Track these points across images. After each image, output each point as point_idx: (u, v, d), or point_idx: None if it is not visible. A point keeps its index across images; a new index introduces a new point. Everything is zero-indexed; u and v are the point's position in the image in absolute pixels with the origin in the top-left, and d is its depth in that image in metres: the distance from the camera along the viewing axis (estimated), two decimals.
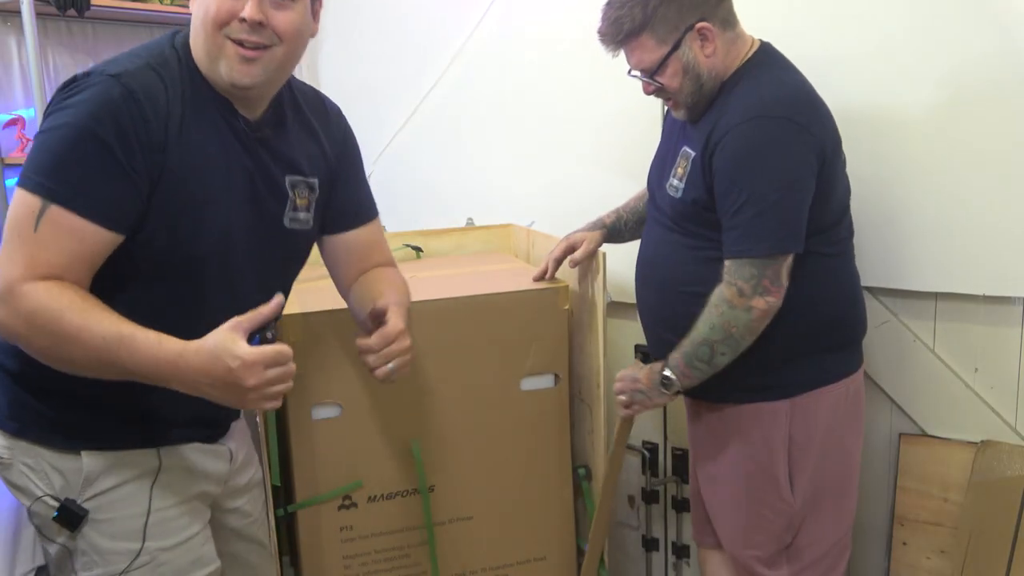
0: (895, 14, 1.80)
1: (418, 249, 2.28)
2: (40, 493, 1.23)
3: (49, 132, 1.11)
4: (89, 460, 1.22)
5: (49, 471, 1.22)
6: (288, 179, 1.31)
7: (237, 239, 1.24)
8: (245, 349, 1.05)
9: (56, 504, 1.21)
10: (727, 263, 1.50)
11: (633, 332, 2.29)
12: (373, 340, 1.28)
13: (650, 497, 2.33)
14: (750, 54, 1.58)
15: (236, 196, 1.23)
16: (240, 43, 1.16)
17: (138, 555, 1.23)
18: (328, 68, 2.98)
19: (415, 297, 1.74)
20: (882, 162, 1.85)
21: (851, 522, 1.74)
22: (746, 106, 1.50)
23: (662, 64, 1.54)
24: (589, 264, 1.82)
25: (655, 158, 1.79)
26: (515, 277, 1.96)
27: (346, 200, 1.45)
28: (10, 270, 1.08)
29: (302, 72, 3.07)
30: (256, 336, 1.10)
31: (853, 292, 1.67)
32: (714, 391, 1.63)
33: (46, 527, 1.25)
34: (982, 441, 1.84)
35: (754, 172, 1.47)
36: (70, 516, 1.21)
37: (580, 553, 1.97)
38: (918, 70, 1.79)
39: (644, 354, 2.25)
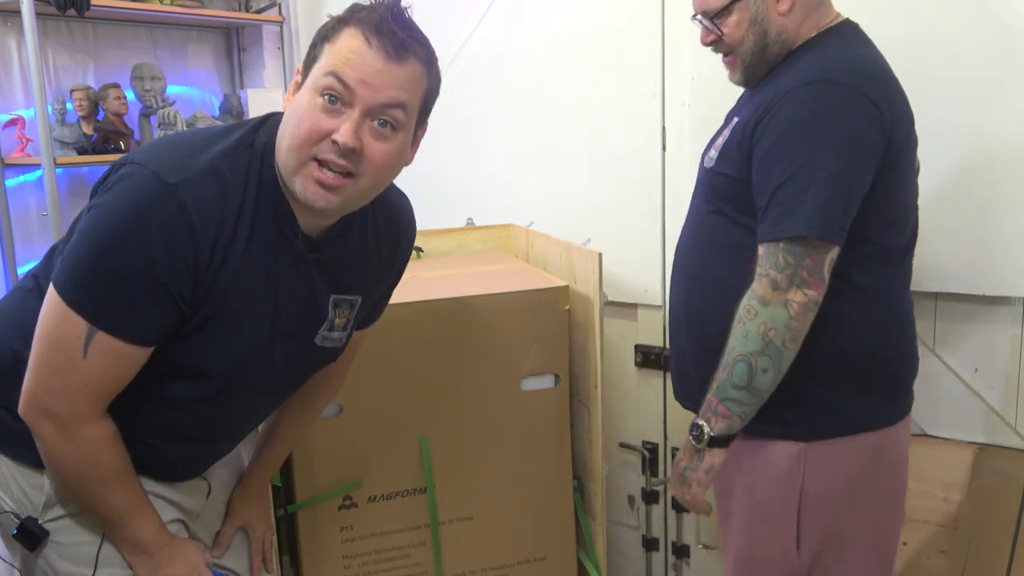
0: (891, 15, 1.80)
1: (418, 249, 2.28)
2: (4, 507, 1.18)
3: (94, 238, 1.00)
4: (52, 482, 1.16)
5: (12, 485, 1.18)
6: (333, 298, 1.19)
7: (262, 355, 1.16)
8: None
9: (17, 521, 1.17)
10: (760, 253, 1.28)
11: (632, 333, 2.29)
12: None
13: (650, 497, 2.33)
14: (829, 26, 1.39)
15: (272, 315, 1.13)
16: (324, 164, 1.02)
17: None
18: None
19: (415, 297, 1.75)
20: None
21: None
22: (808, 70, 1.30)
23: (727, 8, 1.36)
24: (586, 263, 1.82)
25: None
26: (515, 277, 1.96)
27: (369, 310, 1.32)
28: (70, 400, 1.05)
29: None
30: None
31: (899, 321, 1.41)
32: (685, 397, 1.48)
33: (5, 542, 1.21)
34: (982, 444, 1.84)
35: (806, 141, 1.24)
36: (30, 536, 1.16)
37: (579, 562, 1.97)
38: (918, 71, 1.79)
39: (643, 354, 2.26)
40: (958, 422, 1.87)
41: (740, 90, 1.53)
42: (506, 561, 1.89)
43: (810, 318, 1.26)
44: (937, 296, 1.86)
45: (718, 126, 1.52)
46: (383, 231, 1.25)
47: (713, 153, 1.42)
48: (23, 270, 2.42)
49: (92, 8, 2.44)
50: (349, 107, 1.01)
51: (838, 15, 1.42)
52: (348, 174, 1.03)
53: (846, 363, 1.35)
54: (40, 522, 1.17)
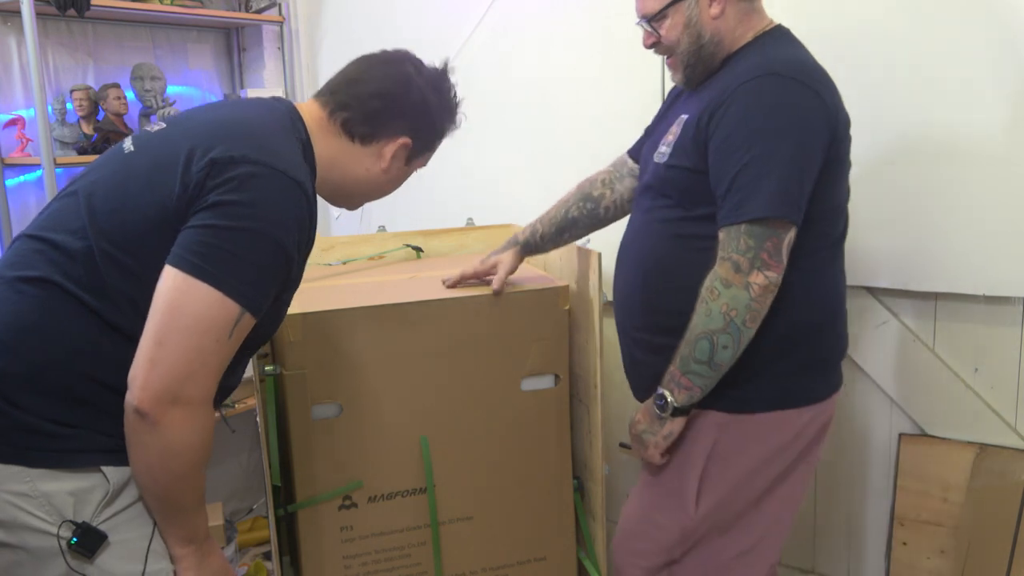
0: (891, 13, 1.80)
1: (418, 249, 2.28)
2: (44, 526, 1.10)
3: (253, 234, 1.10)
4: (113, 476, 1.13)
5: (53, 496, 1.11)
6: None
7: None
8: (233, 572, 1.30)
9: (72, 530, 1.11)
10: (721, 237, 1.36)
11: None
12: None
13: None
14: (764, 30, 1.48)
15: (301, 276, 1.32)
16: None
17: None
18: (328, 68, 2.98)
19: (415, 297, 1.75)
20: (882, 162, 1.86)
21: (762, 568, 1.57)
22: (755, 65, 1.39)
23: (663, 11, 1.47)
24: (586, 263, 1.82)
25: (648, 138, 1.69)
26: (515, 277, 1.96)
27: None
28: (209, 382, 1.11)
29: (302, 72, 3.08)
30: None
31: (833, 302, 1.51)
32: (640, 388, 1.57)
33: (32, 564, 1.12)
34: (982, 444, 1.84)
35: (760, 130, 1.34)
36: (91, 541, 1.11)
37: (579, 562, 1.98)
38: (915, 70, 1.79)
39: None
40: (958, 422, 1.87)
41: None
42: (506, 561, 1.89)
43: (770, 299, 1.35)
44: (937, 296, 1.86)
45: None
46: None
47: (664, 149, 1.50)
48: None
49: (92, 8, 2.44)
50: None
51: (771, 21, 1.50)
52: None
53: (784, 342, 1.43)
54: (95, 524, 1.13)
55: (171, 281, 1.08)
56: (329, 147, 1.30)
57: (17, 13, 2.36)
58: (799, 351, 1.45)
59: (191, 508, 1.17)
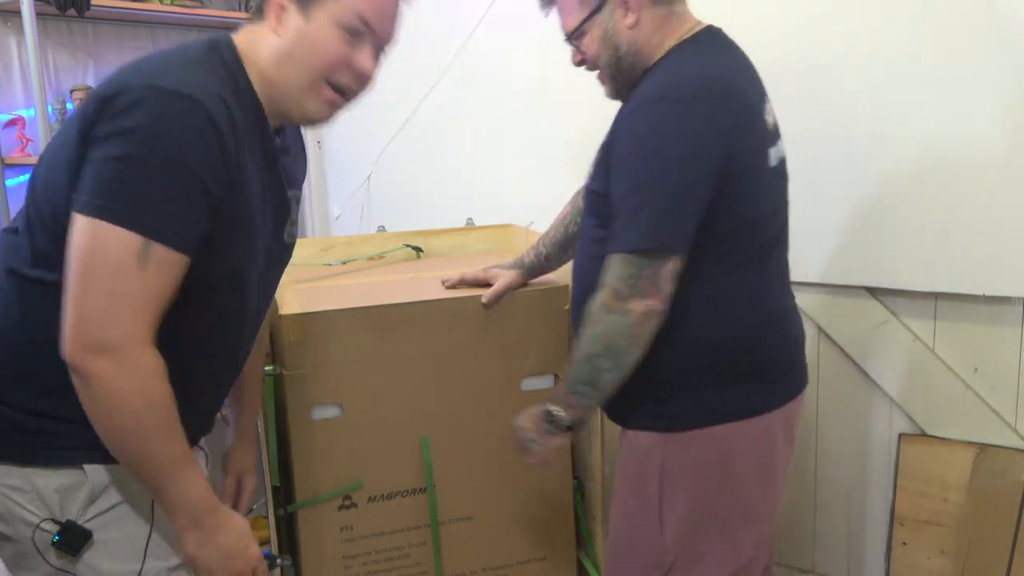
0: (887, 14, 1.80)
1: (418, 249, 2.28)
2: (35, 520, 1.11)
3: (145, 157, 1.02)
4: (94, 474, 1.12)
5: (43, 491, 1.11)
6: (290, 193, 1.27)
7: (262, 257, 1.22)
8: (257, 552, 1.19)
9: (56, 528, 1.11)
10: (606, 262, 1.35)
11: None
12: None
13: None
14: (687, 35, 1.41)
15: (264, 214, 1.21)
16: (341, 91, 1.16)
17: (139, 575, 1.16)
18: None
19: (415, 297, 1.75)
20: (881, 162, 1.86)
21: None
22: (650, 88, 1.36)
23: (581, 27, 1.44)
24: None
25: None
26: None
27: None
28: (128, 321, 1.03)
29: None
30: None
31: (761, 315, 1.44)
32: (610, 409, 1.54)
33: (30, 556, 1.13)
34: (982, 444, 1.84)
35: (642, 157, 1.32)
36: (74, 539, 1.11)
37: (579, 562, 1.98)
38: (913, 71, 1.79)
39: None
40: (958, 422, 1.87)
41: None
42: (506, 561, 1.89)
43: (651, 325, 1.33)
44: (937, 296, 1.86)
45: None
46: (295, 128, 1.35)
47: (590, 171, 1.49)
48: None
49: (92, 8, 2.44)
50: (363, 39, 1.15)
51: (697, 23, 1.43)
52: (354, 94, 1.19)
53: (708, 358, 1.40)
54: (80, 522, 1.13)
55: (73, 226, 1.03)
56: (254, 50, 1.16)
57: (17, 13, 2.36)
58: (727, 366, 1.41)
59: (168, 471, 1.09)
